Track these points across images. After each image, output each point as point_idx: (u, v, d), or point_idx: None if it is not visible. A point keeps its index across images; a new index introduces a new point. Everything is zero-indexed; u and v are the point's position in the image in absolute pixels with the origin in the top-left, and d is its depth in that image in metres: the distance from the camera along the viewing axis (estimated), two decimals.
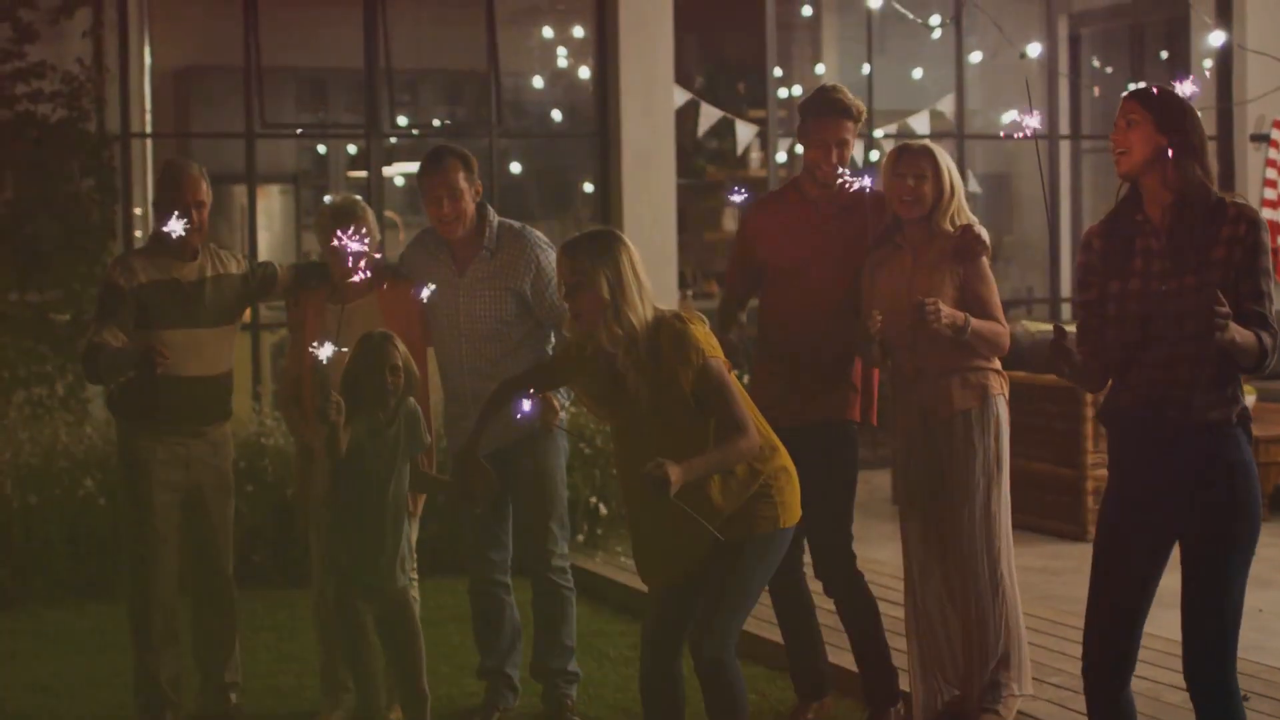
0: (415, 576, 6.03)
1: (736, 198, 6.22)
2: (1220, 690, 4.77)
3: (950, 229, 5.91)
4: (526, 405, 5.47)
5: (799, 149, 6.42)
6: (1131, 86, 4.93)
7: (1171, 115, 4.76)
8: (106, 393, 6.67)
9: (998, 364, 6.03)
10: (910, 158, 5.93)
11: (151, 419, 6.40)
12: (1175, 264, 4.73)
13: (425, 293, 6.05)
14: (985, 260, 5.96)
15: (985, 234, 5.94)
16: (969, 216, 5.98)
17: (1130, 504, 4.82)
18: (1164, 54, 14.10)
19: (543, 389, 5.72)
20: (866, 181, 5.98)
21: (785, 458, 5.37)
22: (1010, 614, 6.01)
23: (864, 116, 6.23)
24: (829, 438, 6.17)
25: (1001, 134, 5.14)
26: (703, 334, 5.18)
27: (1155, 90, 4.86)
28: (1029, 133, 4.87)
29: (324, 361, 5.54)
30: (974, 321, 5.82)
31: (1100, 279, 4.86)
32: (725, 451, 5.12)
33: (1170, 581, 4.83)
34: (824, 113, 6.13)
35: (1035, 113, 4.91)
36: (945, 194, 5.91)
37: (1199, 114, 4.84)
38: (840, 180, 6.05)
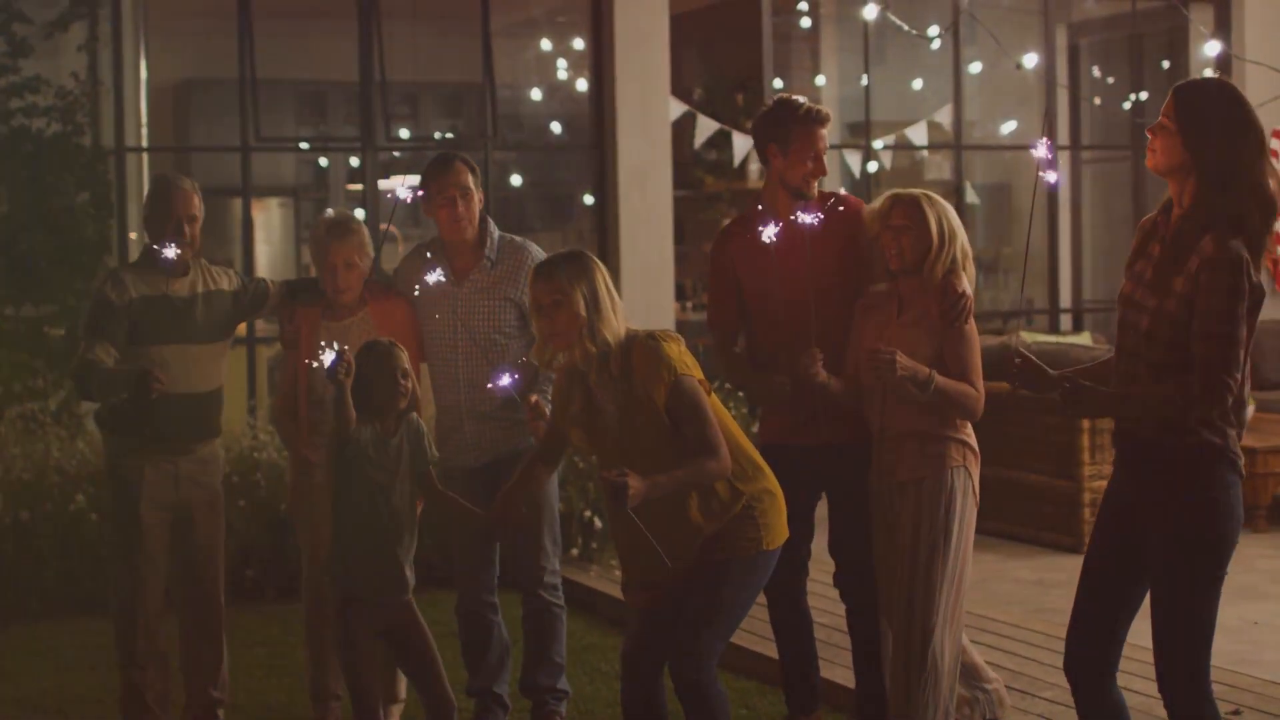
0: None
1: (807, 216, 5.81)
2: (1190, 711, 4.72)
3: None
4: (505, 380, 5.46)
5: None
6: (1134, 96, 4.86)
7: (1200, 126, 4.60)
8: (95, 409, 6.65)
9: (968, 434, 5.72)
10: (898, 208, 5.67)
11: (141, 436, 6.37)
12: (1158, 280, 4.67)
13: (433, 277, 6.05)
14: (971, 321, 5.67)
15: (969, 291, 5.64)
16: (963, 268, 5.68)
17: (1111, 509, 4.89)
18: (1165, 64, 14.08)
19: (561, 450, 5.67)
20: (809, 218, 5.69)
21: (770, 480, 5.34)
22: (934, 694, 5.64)
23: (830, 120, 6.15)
24: (851, 456, 5.98)
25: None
26: (676, 352, 5.18)
27: (1196, 91, 4.70)
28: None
29: (326, 366, 5.55)
30: (940, 380, 5.53)
31: (1125, 275, 4.85)
32: (692, 471, 5.11)
33: None
34: (809, 124, 6.03)
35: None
36: (933, 246, 5.62)
37: (1251, 123, 4.60)
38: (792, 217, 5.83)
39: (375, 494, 5.70)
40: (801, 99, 6.14)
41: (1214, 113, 4.62)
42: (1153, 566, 4.73)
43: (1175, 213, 4.71)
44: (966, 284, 5.66)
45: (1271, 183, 4.62)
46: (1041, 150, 4.81)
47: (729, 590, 5.22)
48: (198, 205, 6.41)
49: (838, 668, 6.61)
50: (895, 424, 5.66)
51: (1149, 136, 4.75)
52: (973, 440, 5.71)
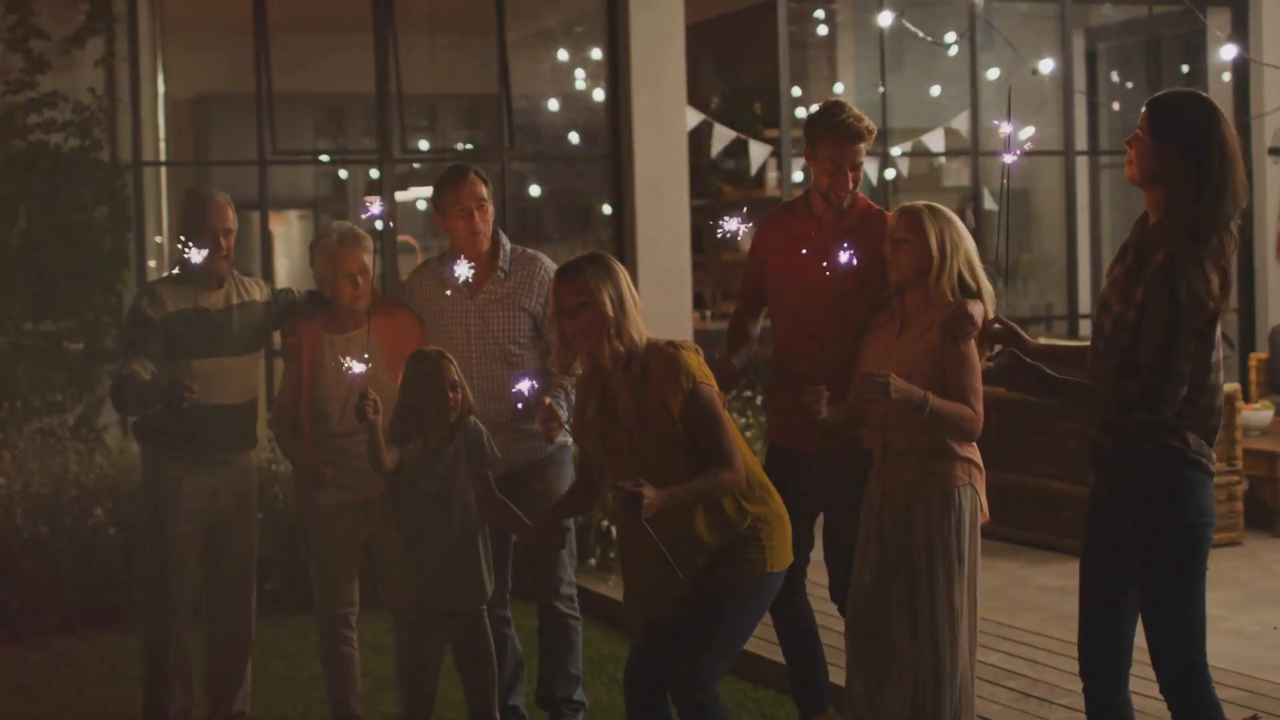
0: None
1: (731, 225, 5.82)
2: (1191, 709, 4.81)
3: (950, 298, 5.53)
4: (525, 388, 5.46)
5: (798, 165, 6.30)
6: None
7: (1167, 138, 4.68)
8: (133, 420, 6.67)
9: (971, 450, 5.60)
10: (900, 220, 5.61)
11: (180, 448, 6.40)
12: (1125, 288, 4.78)
13: (460, 270, 6.08)
14: (971, 343, 5.49)
15: (978, 312, 5.50)
16: (978, 286, 5.61)
17: (1092, 514, 5.03)
18: (1185, 68, 14.04)
19: (595, 472, 5.63)
20: (844, 257, 5.58)
21: (777, 503, 5.33)
22: (963, 711, 5.58)
23: (874, 134, 6.08)
24: (849, 468, 5.94)
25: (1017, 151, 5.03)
26: (695, 361, 5.17)
27: (1168, 104, 4.77)
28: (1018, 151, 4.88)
29: (357, 376, 5.56)
30: (936, 401, 5.38)
31: (1107, 276, 4.96)
32: (707, 481, 5.09)
33: None
34: (837, 138, 6.00)
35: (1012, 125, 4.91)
36: (934, 261, 5.52)
37: (1220, 136, 4.66)
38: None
39: (433, 507, 5.72)
40: (848, 112, 6.04)
41: (1185, 125, 4.69)
42: (1135, 569, 4.85)
43: (1151, 221, 4.79)
44: (983, 308, 5.52)
45: (1234, 196, 4.68)
46: (1006, 128, 4.90)
47: (731, 612, 5.20)
48: (232, 218, 6.46)
49: (843, 671, 6.60)
50: (897, 442, 5.58)
51: (1127, 148, 4.83)
52: (977, 456, 5.63)
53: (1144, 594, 4.82)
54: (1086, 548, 5.05)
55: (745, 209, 5.76)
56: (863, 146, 6.04)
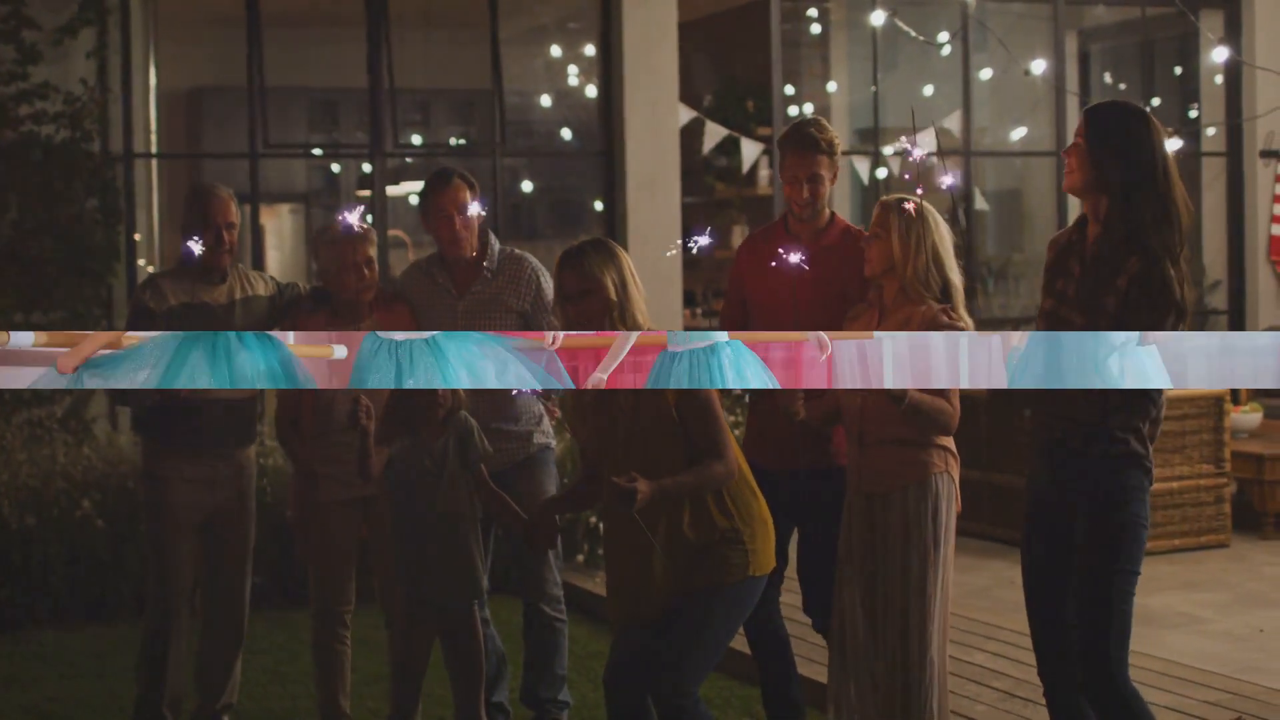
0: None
1: (701, 240, 5.76)
2: (1114, 705, 4.90)
3: (923, 292, 5.50)
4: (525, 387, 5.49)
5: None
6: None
7: (1106, 145, 4.77)
8: (133, 413, 6.66)
9: (947, 441, 5.58)
10: (875, 214, 5.61)
11: (180, 441, 6.39)
12: (1085, 299, 4.83)
13: (473, 208, 6.15)
14: None
15: (964, 321, 5.46)
16: (951, 284, 5.54)
17: (1033, 509, 5.11)
18: (1177, 70, 14.06)
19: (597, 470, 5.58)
20: (795, 257, 5.54)
21: (763, 508, 5.34)
22: (931, 701, 5.58)
23: (838, 150, 6.02)
24: (820, 483, 5.95)
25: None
26: None
27: (1106, 113, 4.86)
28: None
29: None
30: (914, 394, 5.33)
31: (1045, 293, 5.02)
32: (699, 474, 5.10)
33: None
34: (793, 147, 5.99)
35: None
36: (896, 256, 5.49)
37: (1158, 143, 4.76)
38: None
39: (422, 503, 5.72)
40: (815, 124, 6.05)
41: (1122, 133, 4.77)
42: (1074, 565, 4.93)
43: (1092, 231, 4.85)
44: (965, 319, 5.51)
45: (1179, 200, 4.77)
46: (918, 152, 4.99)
47: (714, 616, 5.20)
48: (235, 212, 6.45)
49: (819, 666, 6.62)
50: (874, 431, 5.57)
51: (1065, 159, 4.89)
52: (952, 445, 5.63)
53: (1080, 587, 4.90)
54: (1027, 552, 5.14)
55: (710, 230, 5.75)
56: (823, 159, 5.99)
